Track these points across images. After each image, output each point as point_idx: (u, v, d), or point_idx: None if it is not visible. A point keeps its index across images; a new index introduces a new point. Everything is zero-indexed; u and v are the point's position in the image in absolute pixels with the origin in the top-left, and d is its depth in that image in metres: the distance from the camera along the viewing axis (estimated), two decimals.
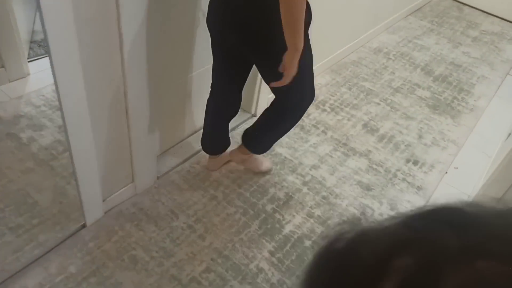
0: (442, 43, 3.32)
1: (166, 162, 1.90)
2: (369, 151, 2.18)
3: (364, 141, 2.24)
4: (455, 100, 2.68)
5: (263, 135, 1.72)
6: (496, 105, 2.70)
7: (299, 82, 1.36)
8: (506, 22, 3.84)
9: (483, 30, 3.63)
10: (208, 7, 1.41)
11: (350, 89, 2.61)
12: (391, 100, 2.59)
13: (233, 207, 1.77)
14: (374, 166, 2.09)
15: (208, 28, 1.47)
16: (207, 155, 1.89)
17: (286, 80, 1.29)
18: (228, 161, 1.93)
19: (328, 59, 2.70)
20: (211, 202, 1.78)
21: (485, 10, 3.96)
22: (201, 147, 1.89)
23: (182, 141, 2.02)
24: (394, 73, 2.86)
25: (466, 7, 4.00)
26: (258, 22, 1.30)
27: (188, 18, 1.64)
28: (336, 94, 2.55)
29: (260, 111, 2.20)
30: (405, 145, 2.26)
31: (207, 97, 1.70)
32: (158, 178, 1.83)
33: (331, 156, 2.11)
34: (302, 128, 2.25)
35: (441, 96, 2.70)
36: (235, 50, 1.47)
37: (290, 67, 1.25)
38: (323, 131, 2.25)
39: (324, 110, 2.40)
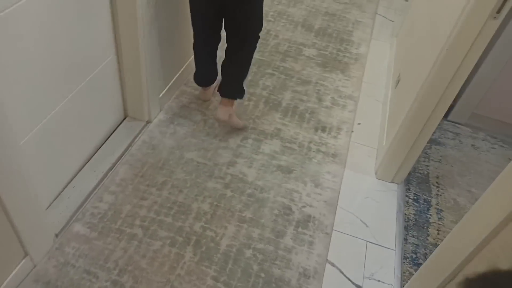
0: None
1: (61, 212, 1.55)
2: (279, 129, 2.09)
3: (270, 119, 2.13)
4: (339, 53, 2.70)
5: (239, 74, 1.90)
6: (374, 49, 2.80)
7: (260, 10, 1.78)
8: None
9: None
10: None
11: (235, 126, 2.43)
12: (283, 67, 2.50)
13: (158, 240, 1.54)
14: (288, 145, 2.01)
15: None
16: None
17: None
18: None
19: None
20: (130, 243, 1.52)
21: None
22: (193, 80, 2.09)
23: (69, 183, 1.67)
24: (278, 36, 2.75)
25: None
26: None
27: None
28: None
29: (153, 116, 1.97)
30: (309, 113, 2.21)
31: None
32: (56, 235, 1.49)
33: (244, 146, 1.97)
34: (206, 122, 2.04)
35: (326, 51, 2.69)
36: None
37: None
38: None
39: None
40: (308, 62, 2.58)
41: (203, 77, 2.08)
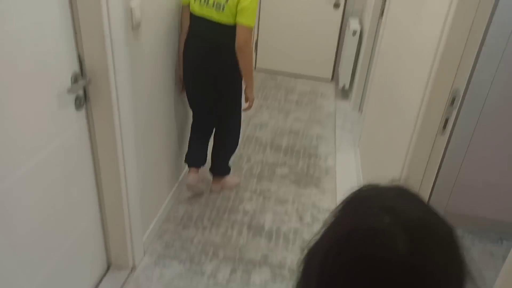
0: (274, 115, 3.55)
1: None
2: (266, 255, 2.06)
3: (256, 246, 2.12)
4: (310, 168, 2.84)
5: (223, 158, 2.40)
6: (341, 160, 2.97)
7: (238, 110, 2.26)
8: (311, 80, 4.41)
9: (299, 92, 4.07)
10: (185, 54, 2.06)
11: (219, 193, 2.49)
12: (260, 189, 2.57)
13: None
14: (278, 271, 1.97)
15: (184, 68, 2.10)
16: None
17: (251, 105, 2.23)
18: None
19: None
20: None
21: (293, 72, 4.48)
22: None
23: None
24: (250, 160, 2.88)
25: (277, 76, 4.46)
26: (225, 74, 2.06)
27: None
28: (208, 204, 2.39)
29: (138, 261, 1.91)
30: (293, 233, 2.22)
31: None
32: None
33: (234, 281, 1.90)
34: (192, 260, 1.99)
35: (297, 168, 2.83)
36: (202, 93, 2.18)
37: (252, 97, 2.19)
38: (214, 254, 2.04)
39: (205, 228, 2.20)
40: (283, 180, 2.67)
41: (193, 157, 2.36)
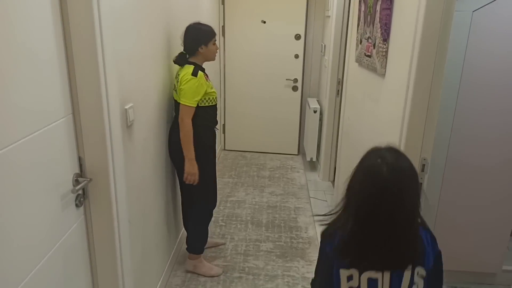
0: (250, 191, 3.65)
1: None
2: None
3: None
4: (293, 240, 2.89)
5: (190, 234, 2.45)
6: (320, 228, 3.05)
7: (201, 185, 2.25)
8: (280, 155, 4.62)
9: (270, 168, 4.24)
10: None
11: (204, 275, 2.46)
12: (248, 267, 2.57)
13: None
14: None
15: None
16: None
17: (186, 177, 2.19)
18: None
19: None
20: None
21: (261, 150, 4.70)
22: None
23: None
24: (233, 238, 2.89)
25: (246, 153, 4.64)
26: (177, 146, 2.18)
27: None
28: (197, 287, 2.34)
29: None
30: None
31: None
32: None
33: None
34: None
35: (281, 241, 2.87)
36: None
37: (187, 169, 2.17)
38: None
39: None
40: (269, 256, 2.69)
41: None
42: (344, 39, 3.56)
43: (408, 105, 1.57)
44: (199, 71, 2.10)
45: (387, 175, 0.97)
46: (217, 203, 2.63)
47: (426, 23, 1.46)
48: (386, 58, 1.86)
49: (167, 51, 2.23)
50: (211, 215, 2.52)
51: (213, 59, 2.28)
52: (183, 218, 2.52)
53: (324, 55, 4.07)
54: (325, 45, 4.03)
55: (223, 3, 4.28)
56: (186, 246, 2.49)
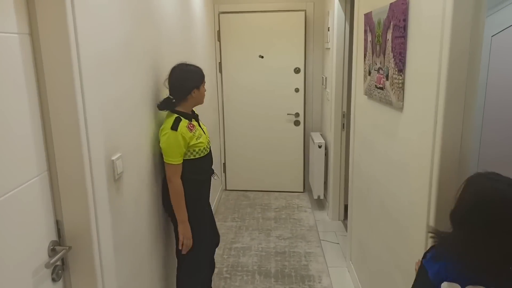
0: (255, 236, 3.38)
1: None
2: None
3: None
4: None
5: None
6: (335, 277, 2.77)
7: (191, 254, 2.00)
8: (285, 193, 4.38)
9: (275, 208, 3.98)
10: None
11: None
12: None
13: None
14: None
15: None
16: None
17: (181, 241, 1.94)
18: None
19: None
20: None
21: (264, 189, 4.45)
22: None
23: None
24: None
25: (249, 193, 4.40)
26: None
27: None
28: None
29: None
30: None
31: None
32: None
33: None
34: None
35: None
36: None
37: (181, 232, 1.94)
38: None
39: None
40: None
41: None
42: (347, 71, 3.42)
43: (437, 142, 1.36)
44: (181, 122, 1.88)
45: (508, 192, 0.99)
46: (221, 252, 2.38)
47: (453, 49, 1.28)
48: (403, 90, 1.67)
49: (157, 93, 2.05)
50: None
51: (202, 102, 2.06)
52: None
53: (325, 87, 3.92)
54: (326, 78, 3.90)
55: (219, 39, 4.18)
56: None
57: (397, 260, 1.79)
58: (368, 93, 2.19)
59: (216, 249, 2.47)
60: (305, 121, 4.33)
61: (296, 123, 4.32)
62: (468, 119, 1.32)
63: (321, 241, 3.29)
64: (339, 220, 3.68)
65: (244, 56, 4.14)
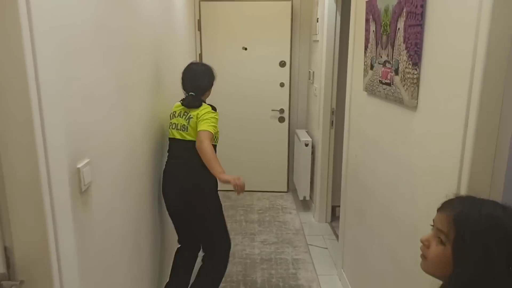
0: (238, 241, 3.15)
1: None
2: None
3: None
4: None
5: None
6: (326, 286, 2.58)
7: (218, 233, 2.18)
8: (268, 193, 4.16)
9: (259, 210, 3.76)
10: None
11: None
12: None
13: None
14: None
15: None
16: None
17: (236, 184, 1.99)
18: None
19: None
20: None
21: (246, 189, 4.21)
22: None
23: None
24: None
25: (231, 193, 4.14)
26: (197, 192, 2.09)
27: None
28: None
29: None
30: None
31: None
32: None
33: None
34: None
35: None
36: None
37: (232, 180, 1.98)
38: None
39: None
40: None
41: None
42: (337, 65, 3.22)
43: (468, 146, 1.17)
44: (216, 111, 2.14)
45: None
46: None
47: (492, 39, 1.08)
48: (418, 86, 1.47)
49: (138, 85, 1.77)
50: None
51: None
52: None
53: (313, 82, 3.72)
54: (313, 72, 3.69)
55: (199, 29, 3.89)
56: None
57: (403, 270, 1.60)
58: (370, 89, 1.99)
59: (198, 258, 2.24)
60: (290, 118, 4.12)
61: (281, 119, 4.10)
62: (506, 120, 1.13)
63: (309, 246, 3.10)
64: (326, 222, 3.50)
65: (227, 47, 3.87)
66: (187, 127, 2.08)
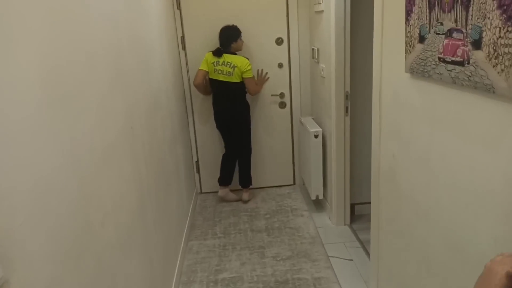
0: (245, 258, 2.63)
1: None
2: None
3: None
4: None
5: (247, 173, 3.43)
6: None
7: (248, 138, 3.34)
8: (273, 189, 3.63)
9: (265, 214, 3.24)
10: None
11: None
12: None
13: None
14: None
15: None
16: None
17: (263, 78, 3.36)
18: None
19: None
20: None
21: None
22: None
23: None
24: None
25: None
26: (241, 113, 3.23)
27: None
28: None
29: None
30: None
31: None
32: None
33: None
34: None
35: None
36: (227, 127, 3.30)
37: (259, 82, 3.33)
38: None
39: None
40: None
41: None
42: (349, 39, 2.63)
43: None
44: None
45: None
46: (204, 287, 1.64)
47: None
48: None
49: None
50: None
51: (241, 49, 3.18)
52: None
53: (318, 62, 3.13)
54: (318, 49, 3.09)
55: (179, 7, 3.25)
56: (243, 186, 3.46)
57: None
58: (418, 71, 1.42)
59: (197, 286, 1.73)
60: (291, 103, 3.54)
61: (282, 105, 3.53)
62: None
63: (330, 258, 2.59)
64: (345, 224, 2.99)
65: (213, 27, 3.23)
66: (231, 73, 3.04)
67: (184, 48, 3.32)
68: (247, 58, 3.06)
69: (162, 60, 2.49)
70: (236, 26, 3.08)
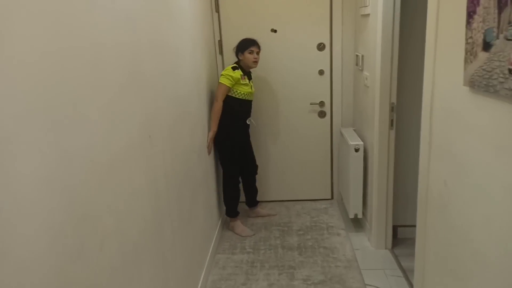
0: (274, 278, 2.44)
1: None
2: None
3: None
4: None
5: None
6: None
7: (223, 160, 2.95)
8: (308, 202, 3.41)
9: (298, 230, 3.02)
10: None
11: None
12: None
13: None
14: None
15: None
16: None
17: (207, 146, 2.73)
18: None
19: None
20: None
21: (281, 198, 3.49)
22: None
23: None
24: None
25: (263, 204, 3.44)
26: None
27: None
28: None
29: None
30: None
31: None
32: None
33: None
34: None
35: None
36: None
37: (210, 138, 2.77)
38: None
39: None
40: None
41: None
42: (397, 45, 2.37)
43: None
44: (237, 70, 2.78)
45: None
46: None
47: None
48: None
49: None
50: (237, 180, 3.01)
51: (251, 67, 2.84)
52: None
53: (362, 69, 2.88)
54: (363, 56, 2.85)
55: (217, 9, 3.14)
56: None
57: None
58: (481, 85, 1.17)
59: None
60: (332, 112, 3.31)
61: (321, 114, 3.31)
62: None
63: (367, 287, 2.33)
64: (386, 248, 2.71)
65: (251, 30, 3.09)
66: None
67: (221, 52, 3.21)
68: (238, 68, 2.76)
69: (195, 67, 2.37)
70: (249, 39, 2.81)
